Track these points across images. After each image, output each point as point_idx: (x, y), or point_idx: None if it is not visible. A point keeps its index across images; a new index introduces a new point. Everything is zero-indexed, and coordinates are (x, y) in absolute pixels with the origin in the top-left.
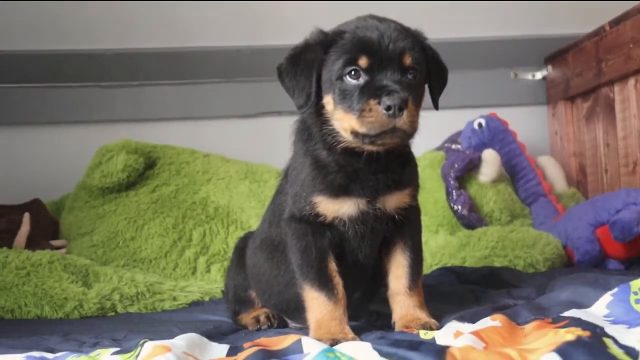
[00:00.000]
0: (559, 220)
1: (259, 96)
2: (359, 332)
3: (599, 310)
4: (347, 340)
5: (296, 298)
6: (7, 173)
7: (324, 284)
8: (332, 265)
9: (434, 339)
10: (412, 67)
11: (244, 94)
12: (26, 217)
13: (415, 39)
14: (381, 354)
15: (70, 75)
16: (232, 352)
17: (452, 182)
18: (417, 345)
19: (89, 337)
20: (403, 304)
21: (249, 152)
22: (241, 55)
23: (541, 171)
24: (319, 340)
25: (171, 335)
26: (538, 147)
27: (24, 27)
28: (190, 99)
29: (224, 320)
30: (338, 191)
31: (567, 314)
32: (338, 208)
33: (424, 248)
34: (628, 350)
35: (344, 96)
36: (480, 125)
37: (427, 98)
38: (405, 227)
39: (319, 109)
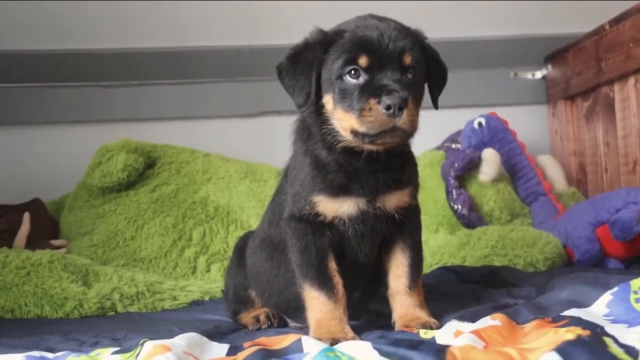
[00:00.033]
0: (559, 220)
1: (259, 96)
2: (359, 331)
3: (599, 310)
4: (347, 339)
5: (296, 297)
6: (7, 173)
7: (324, 283)
8: (332, 265)
9: (434, 338)
10: (412, 67)
11: (244, 94)
12: (26, 216)
13: (415, 38)
14: (381, 353)
15: (70, 75)
16: (232, 351)
17: (452, 181)
18: (417, 344)
19: (89, 336)
20: (403, 304)
21: (249, 151)
22: (241, 55)
23: (541, 170)
24: (319, 339)
25: (171, 335)
26: (538, 146)
27: (23, 27)
28: (190, 99)
29: (224, 320)
30: (338, 190)
31: (567, 313)
32: (338, 207)
33: (424, 247)
34: (628, 350)
35: (343, 95)
36: (480, 124)
37: (426, 97)
38: (405, 227)
39: (318, 108)
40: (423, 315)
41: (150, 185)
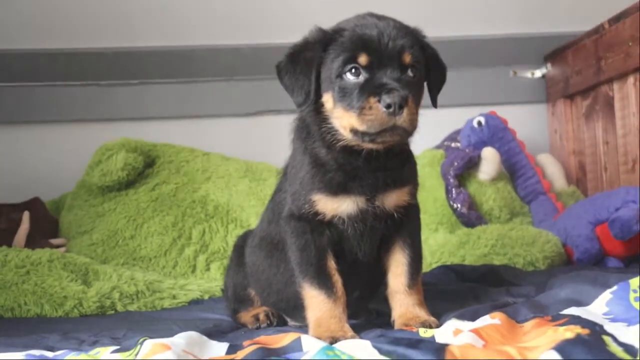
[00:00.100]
0: (559, 218)
1: (259, 95)
2: (359, 330)
3: (598, 308)
4: (346, 338)
5: (295, 296)
6: (7, 172)
7: (323, 282)
8: (331, 264)
9: (433, 337)
10: (411, 65)
11: (244, 93)
12: (26, 215)
13: (414, 37)
14: (381, 352)
15: (69, 74)
16: (231, 350)
17: (451, 180)
18: (416, 343)
19: (88, 335)
20: (402, 302)
21: (249, 150)
22: (240, 54)
23: (541, 169)
24: (319, 338)
25: (171, 334)
26: (537, 145)
27: (23, 26)
28: (189, 98)
29: (223, 319)
30: (337, 189)
31: (566, 311)
32: (337, 206)
33: (424, 246)
34: (627, 348)
35: (343, 94)
36: (479, 123)
37: (426, 96)
38: (405, 226)
39: (318, 107)
40: (422, 314)
41: (149, 184)
